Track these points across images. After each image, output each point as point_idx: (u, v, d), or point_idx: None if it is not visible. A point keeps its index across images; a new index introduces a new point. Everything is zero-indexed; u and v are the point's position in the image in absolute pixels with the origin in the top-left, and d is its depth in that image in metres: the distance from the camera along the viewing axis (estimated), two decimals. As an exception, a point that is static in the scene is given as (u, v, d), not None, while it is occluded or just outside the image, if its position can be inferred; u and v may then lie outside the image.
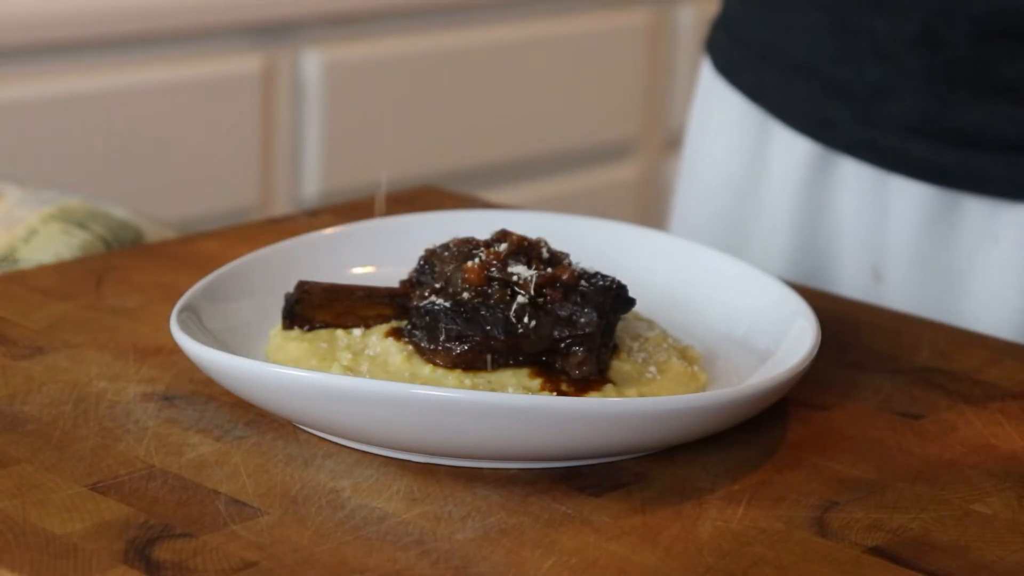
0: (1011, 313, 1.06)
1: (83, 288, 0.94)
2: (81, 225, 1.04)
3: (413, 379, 0.78)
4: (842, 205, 1.12)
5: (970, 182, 1.06)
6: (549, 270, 0.80)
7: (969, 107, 1.04)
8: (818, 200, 1.13)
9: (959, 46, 1.03)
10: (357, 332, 0.82)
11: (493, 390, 0.77)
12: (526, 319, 0.78)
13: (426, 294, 0.80)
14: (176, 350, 0.83)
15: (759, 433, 0.80)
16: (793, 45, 1.11)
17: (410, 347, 0.80)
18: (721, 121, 1.18)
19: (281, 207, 2.03)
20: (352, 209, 1.10)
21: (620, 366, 0.81)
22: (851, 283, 1.12)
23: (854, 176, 1.10)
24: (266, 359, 0.82)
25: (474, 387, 0.77)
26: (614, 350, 0.81)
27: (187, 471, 0.74)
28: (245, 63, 1.97)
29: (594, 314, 0.78)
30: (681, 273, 0.93)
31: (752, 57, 1.14)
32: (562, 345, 0.79)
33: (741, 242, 1.17)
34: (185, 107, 1.93)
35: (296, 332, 0.83)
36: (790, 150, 1.13)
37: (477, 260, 0.80)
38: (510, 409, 0.72)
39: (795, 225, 1.14)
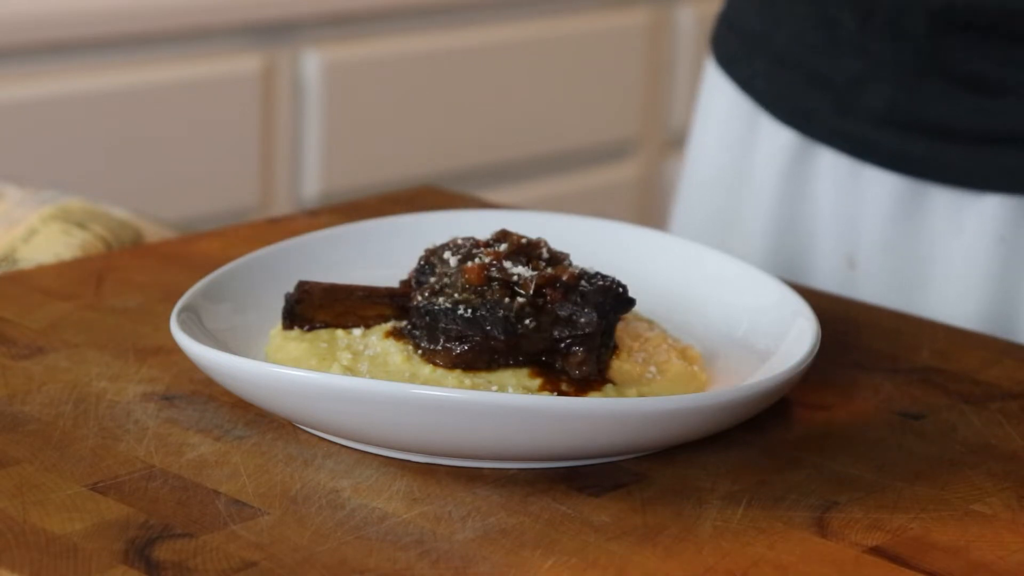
0: (975, 303, 1.07)
1: (83, 288, 0.94)
2: (81, 225, 1.04)
3: (413, 379, 0.78)
4: (819, 194, 1.14)
5: (935, 172, 1.08)
6: (549, 270, 0.80)
7: (935, 98, 1.06)
8: (797, 189, 1.14)
9: (922, 38, 1.05)
10: (357, 332, 0.82)
11: (493, 390, 0.77)
12: (526, 319, 0.78)
13: (426, 294, 0.80)
14: (176, 350, 0.83)
15: (759, 433, 0.80)
16: (781, 36, 1.13)
17: (410, 347, 0.80)
18: (717, 113, 1.20)
19: (281, 207, 2.03)
20: (352, 209, 1.10)
21: (620, 366, 0.81)
22: (827, 271, 1.14)
23: (831, 166, 1.12)
24: (266, 359, 0.82)
25: (474, 387, 0.77)
26: (614, 350, 0.81)
27: (187, 471, 0.74)
28: (245, 63, 1.97)
29: (594, 314, 0.78)
30: (681, 273, 0.93)
31: (745, 48, 1.16)
32: (562, 345, 0.79)
33: (729, 231, 1.19)
34: (185, 107, 1.93)
35: (296, 332, 0.83)
36: (774, 140, 1.15)
37: (477, 260, 0.80)
38: (510, 409, 0.72)
39: (775, 214, 1.16)
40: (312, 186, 2.07)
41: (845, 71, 1.09)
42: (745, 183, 1.18)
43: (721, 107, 1.19)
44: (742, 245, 1.17)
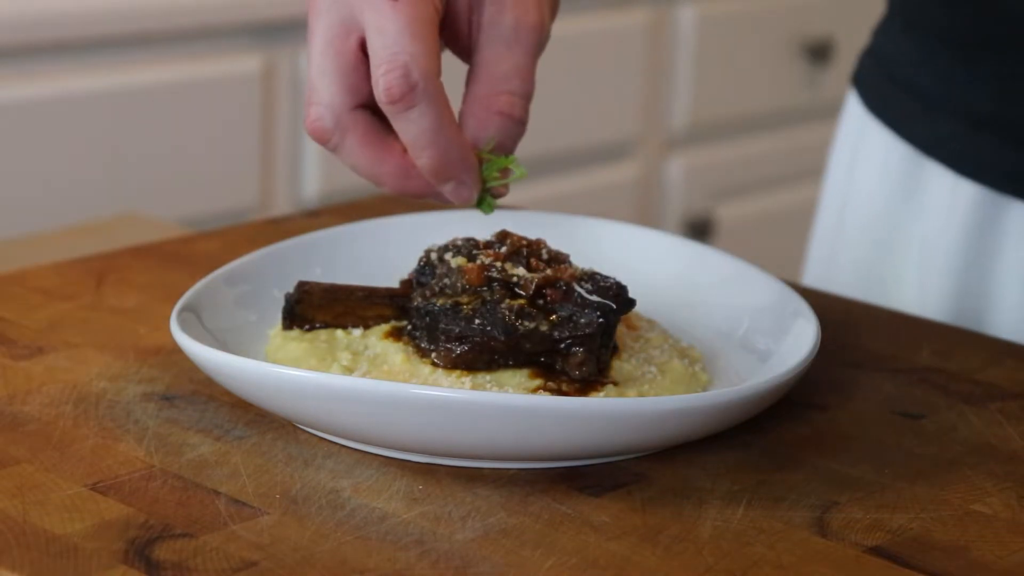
0: None
1: (83, 288, 0.94)
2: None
3: (413, 379, 0.78)
4: (1010, 253, 1.07)
5: None
6: (549, 270, 0.80)
7: None
8: (983, 246, 1.07)
9: None
10: (357, 332, 0.82)
11: (493, 390, 0.77)
12: (526, 320, 0.78)
13: (426, 294, 0.80)
14: (176, 350, 0.83)
15: (759, 433, 0.80)
16: (972, 96, 1.06)
17: (410, 347, 0.80)
18: (869, 159, 1.13)
19: (281, 207, 2.03)
20: (352, 209, 1.10)
21: (620, 366, 0.81)
22: (1014, 331, 1.06)
23: (1022, 219, 1.05)
24: (266, 359, 0.82)
25: (474, 387, 0.77)
26: (614, 350, 0.81)
27: (187, 471, 0.74)
28: (245, 63, 1.97)
29: (595, 314, 0.78)
30: (681, 273, 0.93)
31: (925, 108, 1.09)
32: (562, 345, 0.79)
33: (890, 287, 1.12)
34: (185, 107, 1.93)
35: (296, 332, 0.83)
36: (953, 193, 1.08)
37: (477, 260, 0.80)
38: (510, 409, 0.72)
39: (956, 269, 1.08)
40: (312, 186, 2.07)
41: None
42: (913, 233, 1.11)
43: (875, 153, 1.12)
44: (915, 299, 1.09)
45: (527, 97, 0.84)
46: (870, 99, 1.14)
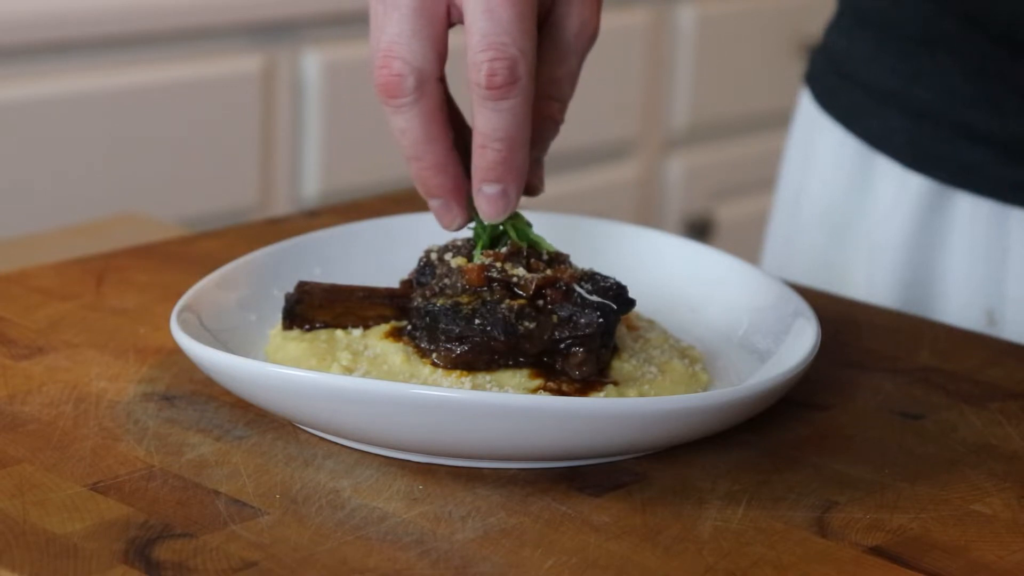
0: None
1: (83, 288, 0.94)
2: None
3: (413, 379, 0.78)
4: (955, 244, 1.08)
5: None
6: (549, 271, 0.80)
7: None
8: (929, 239, 1.08)
9: None
10: (357, 332, 0.82)
11: (493, 390, 0.77)
12: (526, 320, 0.78)
13: (426, 295, 0.80)
14: (176, 350, 0.83)
15: (759, 433, 0.80)
16: (924, 91, 1.07)
17: (410, 347, 0.80)
18: (820, 154, 1.15)
19: (281, 207, 2.03)
20: (352, 209, 1.10)
21: (620, 366, 0.81)
22: (959, 323, 1.06)
23: (969, 213, 1.06)
24: (266, 359, 0.82)
25: (474, 387, 0.77)
26: (614, 350, 0.81)
27: (187, 471, 0.74)
28: (245, 63, 1.97)
29: (595, 314, 0.78)
30: (681, 273, 0.93)
31: (874, 103, 1.10)
32: (562, 346, 0.79)
33: (841, 276, 1.13)
34: (185, 107, 1.93)
35: (296, 332, 0.83)
36: (901, 186, 1.09)
37: (477, 261, 0.80)
38: (510, 409, 0.72)
39: (903, 262, 1.10)
40: (312, 186, 2.07)
41: (1010, 124, 1.03)
42: (861, 227, 1.12)
43: (826, 147, 1.13)
44: (863, 292, 1.10)
45: (568, 102, 0.85)
46: (822, 95, 1.16)
